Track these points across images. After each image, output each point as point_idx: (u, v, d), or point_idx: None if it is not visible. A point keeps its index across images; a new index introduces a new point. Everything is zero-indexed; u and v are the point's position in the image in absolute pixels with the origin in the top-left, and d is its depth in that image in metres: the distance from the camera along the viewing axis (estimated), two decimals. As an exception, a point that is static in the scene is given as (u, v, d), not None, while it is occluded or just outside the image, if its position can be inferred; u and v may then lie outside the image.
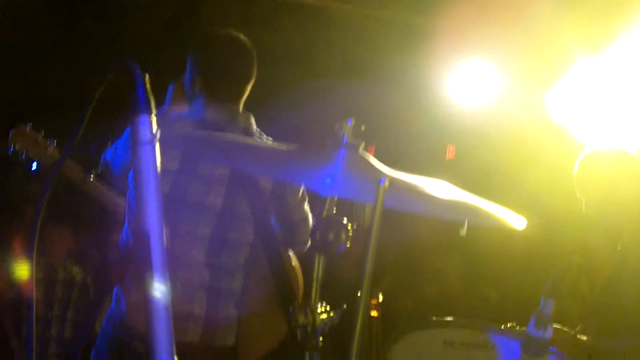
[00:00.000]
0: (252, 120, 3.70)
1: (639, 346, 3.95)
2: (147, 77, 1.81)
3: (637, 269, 4.01)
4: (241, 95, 3.70)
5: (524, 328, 3.67)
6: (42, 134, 4.53)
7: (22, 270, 6.04)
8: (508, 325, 3.85)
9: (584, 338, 3.97)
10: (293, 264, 4.05)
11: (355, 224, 2.18)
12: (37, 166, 4.46)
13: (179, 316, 3.42)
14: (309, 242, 3.46)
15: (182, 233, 3.46)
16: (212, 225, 3.49)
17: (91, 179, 4.31)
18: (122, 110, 1.82)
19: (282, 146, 2.60)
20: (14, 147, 4.47)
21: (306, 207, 3.72)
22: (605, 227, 4.21)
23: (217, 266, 3.51)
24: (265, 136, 3.69)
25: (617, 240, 4.11)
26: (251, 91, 3.77)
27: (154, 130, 1.79)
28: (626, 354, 3.94)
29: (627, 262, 4.07)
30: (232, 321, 3.60)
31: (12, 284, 6.25)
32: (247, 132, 3.62)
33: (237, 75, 3.69)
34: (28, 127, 4.52)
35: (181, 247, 3.44)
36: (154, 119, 1.80)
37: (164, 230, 1.74)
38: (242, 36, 3.76)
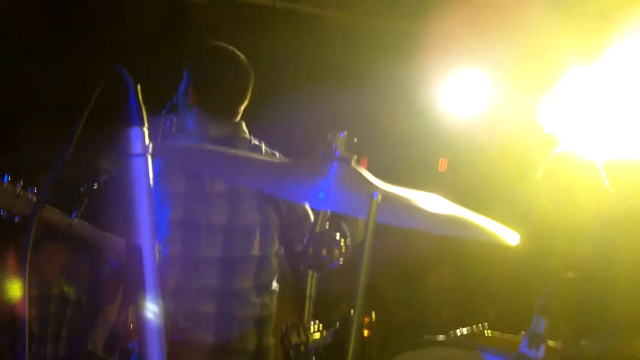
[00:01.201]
0: (245, 129, 3.72)
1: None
2: (138, 87, 1.80)
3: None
4: (236, 113, 3.71)
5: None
6: (21, 186, 4.33)
7: (16, 287, 6.01)
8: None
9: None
10: None
11: (348, 239, 2.16)
12: (18, 219, 4.29)
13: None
14: None
15: (202, 259, 3.46)
16: (221, 246, 3.48)
17: (74, 221, 4.19)
18: (113, 123, 1.81)
19: (275, 159, 2.60)
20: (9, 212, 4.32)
21: (306, 204, 3.65)
22: (570, 229, 4.23)
23: (230, 291, 3.50)
24: (264, 145, 3.70)
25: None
26: None
27: (146, 142, 1.78)
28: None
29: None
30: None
31: (6, 301, 6.21)
32: (250, 142, 3.66)
33: (232, 94, 3.71)
34: (6, 182, 4.27)
35: (200, 273, 3.46)
36: (146, 130, 1.79)
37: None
38: (241, 55, 3.78)
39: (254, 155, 2.74)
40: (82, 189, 4.26)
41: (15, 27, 6.79)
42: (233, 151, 2.34)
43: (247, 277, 3.53)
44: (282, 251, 3.79)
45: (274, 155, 3.63)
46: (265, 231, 3.57)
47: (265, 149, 3.67)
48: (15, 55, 7.12)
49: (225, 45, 3.79)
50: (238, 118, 3.70)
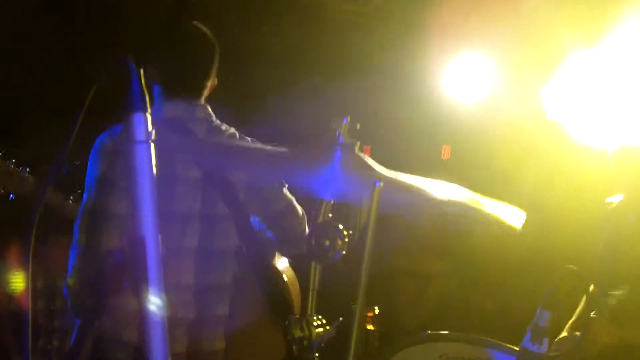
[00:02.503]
0: (210, 111, 3.48)
1: None
2: (142, 72, 1.79)
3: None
4: (199, 89, 3.48)
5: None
6: (13, 164, 4.28)
7: (20, 279, 6.00)
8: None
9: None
10: (287, 275, 3.88)
11: (350, 230, 2.14)
12: (13, 197, 4.29)
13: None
14: (305, 235, 3.34)
15: (172, 248, 3.24)
16: (197, 236, 3.28)
17: (71, 202, 4.18)
18: (114, 110, 1.80)
19: (276, 147, 2.57)
20: (4, 190, 4.31)
21: (287, 193, 3.45)
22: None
23: (205, 283, 3.31)
24: (227, 127, 3.47)
25: None
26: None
27: (149, 129, 1.77)
28: None
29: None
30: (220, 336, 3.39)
31: (11, 295, 6.21)
32: (210, 125, 3.41)
33: (191, 70, 3.48)
34: (13, 165, 4.28)
35: (170, 265, 3.19)
36: (149, 116, 1.78)
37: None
38: (202, 29, 3.58)
39: (257, 145, 2.64)
40: (64, 169, 4.24)
41: (16, 23, 6.79)
42: (237, 142, 2.32)
43: (224, 270, 3.38)
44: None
45: (244, 140, 3.40)
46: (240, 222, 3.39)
47: (229, 131, 3.44)
48: (17, 51, 7.13)
49: (188, 23, 3.64)
50: (201, 97, 3.48)
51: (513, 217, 2.09)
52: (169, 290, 3.03)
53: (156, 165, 3.09)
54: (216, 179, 3.26)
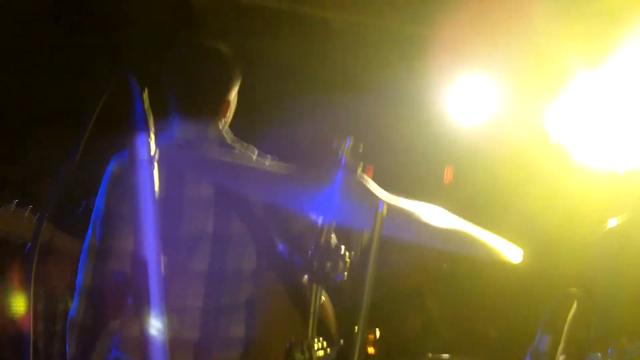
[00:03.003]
0: (223, 132, 3.36)
1: None
2: (145, 93, 1.78)
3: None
4: (213, 109, 3.36)
5: None
6: (29, 211, 4.20)
7: (21, 303, 5.99)
8: None
9: None
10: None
11: (352, 252, 2.13)
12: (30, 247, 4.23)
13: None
14: None
15: (177, 271, 3.12)
16: (208, 257, 3.17)
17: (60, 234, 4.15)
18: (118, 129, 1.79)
19: (279, 167, 2.54)
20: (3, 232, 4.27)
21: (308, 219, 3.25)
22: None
23: (215, 306, 3.21)
24: (243, 146, 3.37)
25: None
26: (246, 106, 3.59)
27: (152, 150, 1.76)
28: None
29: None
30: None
31: (12, 318, 6.19)
32: (222, 145, 3.30)
33: (203, 90, 3.37)
34: (13, 206, 4.22)
35: (176, 288, 3.14)
36: (152, 137, 1.77)
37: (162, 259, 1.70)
38: (219, 48, 3.46)
39: (259, 165, 2.58)
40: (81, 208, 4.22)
41: (20, 33, 6.79)
42: (238, 161, 2.31)
43: (238, 292, 3.27)
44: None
45: (261, 158, 3.30)
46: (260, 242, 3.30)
47: (242, 150, 3.35)
48: (21, 61, 7.13)
49: (203, 42, 3.56)
50: (215, 117, 3.35)
51: (510, 251, 2.07)
52: (173, 312, 3.01)
53: (164, 187, 3.06)
54: (231, 198, 3.18)
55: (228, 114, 3.41)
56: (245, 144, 3.37)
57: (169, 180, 3.00)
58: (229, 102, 3.39)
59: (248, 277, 3.24)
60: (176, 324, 3.11)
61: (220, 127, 3.35)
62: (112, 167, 3.22)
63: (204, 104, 3.34)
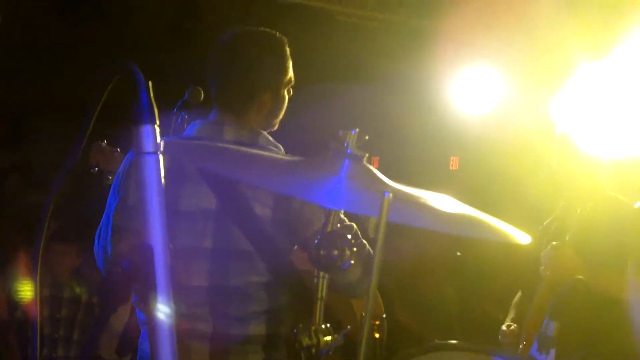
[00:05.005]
0: (242, 131, 3.17)
1: None
2: (150, 84, 1.78)
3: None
4: (239, 107, 3.19)
5: None
6: (119, 149, 4.43)
7: (27, 289, 6.02)
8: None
9: None
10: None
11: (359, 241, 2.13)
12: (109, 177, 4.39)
13: None
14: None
15: (176, 287, 3.10)
16: (207, 273, 3.04)
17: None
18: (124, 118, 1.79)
19: (284, 157, 2.53)
20: (98, 167, 4.40)
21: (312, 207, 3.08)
22: None
23: (224, 316, 3.07)
24: (270, 148, 3.16)
25: None
26: None
27: (158, 140, 1.76)
28: None
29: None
30: None
31: (17, 303, 6.23)
32: (238, 144, 3.06)
33: (228, 86, 3.21)
34: (104, 143, 4.45)
35: (178, 302, 3.09)
36: (157, 128, 1.77)
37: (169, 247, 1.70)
38: (265, 38, 3.24)
39: (263, 153, 2.52)
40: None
41: (24, 26, 6.80)
42: (243, 149, 2.30)
43: (248, 306, 3.12)
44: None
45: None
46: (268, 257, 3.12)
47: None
48: (25, 53, 7.13)
49: (251, 30, 3.29)
50: (242, 115, 3.19)
51: (519, 234, 2.08)
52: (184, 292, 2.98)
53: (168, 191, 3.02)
54: (236, 212, 3.06)
55: (266, 112, 3.23)
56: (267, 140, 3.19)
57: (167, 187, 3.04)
58: (263, 100, 3.20)
59: (259, 289, 3.11)
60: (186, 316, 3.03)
61: (248, 129, 3.18)
62: (129, 157, 3.21)
63: (234, 99, 3.20)
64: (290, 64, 3.28)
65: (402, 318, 6.13)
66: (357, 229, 2.99)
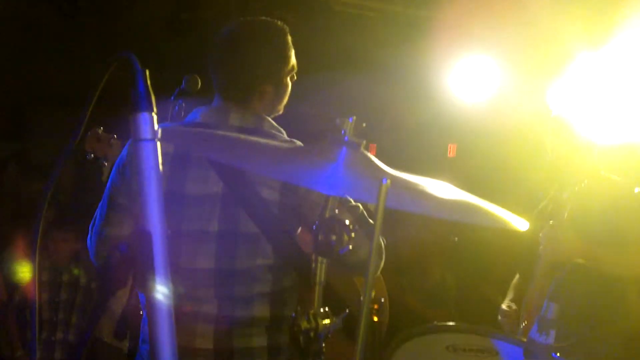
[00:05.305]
0: (244, 117, 3.18)
1: None
2: (147, 72, 1.79)
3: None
4: (243, 94, 3.21)
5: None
6: (101, 130, 4.49)
7: (26, 272, 6.04)
8: None
9: None
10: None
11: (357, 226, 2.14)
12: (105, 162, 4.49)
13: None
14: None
15: (181, 270, 3.04)
16: (214, 256, 3.06)
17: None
18: (122, 106, 1.81)
19: (282, 145, 2.54)
20: (93, 154, 4.45)
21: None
22: None
23: (229, 298, 3.08)
24: (274, 133, 3.20)
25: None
26: None
27: (155, 128, 1.78)
28: None
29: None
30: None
31: (16, 286, 6.26)
32: (243, 132, 3.08)
33: (232, 73, 3.21)
34: (100, 131, 4.51)
35: (183, 285, 3.03)
36: (154, 116, 1.78)
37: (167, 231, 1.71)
38: (267, 28, 3.26)
39: (261, 141, 2.53)
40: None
41: (23, 18, 6.80)
42: (242, 136, 2.31)
43: (252, 287, 3.12)
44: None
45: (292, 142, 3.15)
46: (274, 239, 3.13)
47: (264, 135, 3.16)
48: (24, 45, 7.14)
49: (252, 21, 3.31)
50: (247, 102, 3.20)
51: (517, 220, 2.09)
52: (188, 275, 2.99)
53: (168, 179, 3.04)
54: (242, 196, 3.07)
55: (268, 101, 3.25)
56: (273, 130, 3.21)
57: (174, 172, 3.05)
58: (265, 90, 3.23)
59: (263, 271, 3.13)
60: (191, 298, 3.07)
61: (252, 115, 3.20)
62: (127, 147, 3.22)
63: (236, 91, 3.22)
64: (292, 52, 3.30)
65: (404, 301, 6.16)
66: (364, 210, 3.02)
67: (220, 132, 2.70)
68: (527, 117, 6.26)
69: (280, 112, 3.36)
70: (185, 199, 3.09)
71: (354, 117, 2.14)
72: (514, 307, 4.54)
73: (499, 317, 4.57)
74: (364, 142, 2.14)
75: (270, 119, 3.25)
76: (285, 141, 3.15)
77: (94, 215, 3.22)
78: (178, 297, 2.94)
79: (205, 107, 3.26)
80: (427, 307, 6.31)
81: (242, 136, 2.30)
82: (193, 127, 3.14)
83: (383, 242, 3.09)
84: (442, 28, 6.54)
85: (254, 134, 3.06)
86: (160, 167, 1.75)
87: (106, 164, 4.46)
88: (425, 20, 7.01)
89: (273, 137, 3.15)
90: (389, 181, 1.83)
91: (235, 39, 3.26)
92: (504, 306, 4.59)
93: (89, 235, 3.23)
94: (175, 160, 3.09)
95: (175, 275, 3.05)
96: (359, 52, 7.50)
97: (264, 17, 3.33)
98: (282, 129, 3.24)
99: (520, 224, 2.07)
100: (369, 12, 7.42)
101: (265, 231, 3.07)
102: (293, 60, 3.31)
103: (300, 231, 3.05)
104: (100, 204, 3.21)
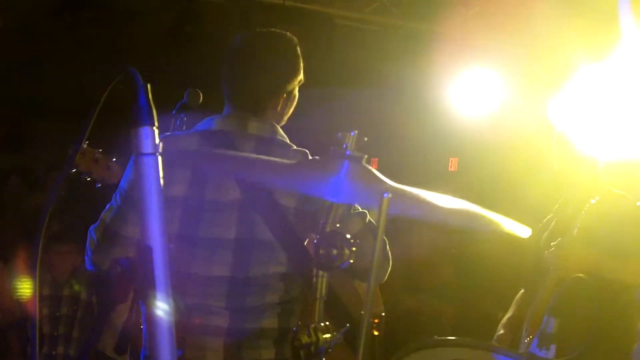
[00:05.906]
0: (264, 128, 3.19)
1: None
2: (149, 86, 1.79)
3: None
4: (260, 104, 3.22)
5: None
6: (102, 153, 4.50)
7: (27, 287, 6.03)
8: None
9: None
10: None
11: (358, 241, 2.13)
12: (100, 185, 4.50)
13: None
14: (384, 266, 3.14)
15: (195, 277, 3.04)
16: (229, 264, 3.05)
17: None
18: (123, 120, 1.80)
19: (287, 161, 2.54)
20: (79, 169, 4.46)
21: (360, 214, 3.13)
22: None
23: (240, 309, 3.07)
24: (287, 143, 3.21)
25: None
26: None
27: (157, 142, 1.77)
28: None
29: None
30: None
31: (18, 302, 6.24)
32: (261, 140, 3.15)
33: (250, 83, 3.22)
34: (98, 153, 4.50)
35: (195, 294, 3.04)
36: (156, 130, 1.78)
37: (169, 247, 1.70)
38: (275, 40, 3.29)
39: (265, 158, 2.51)
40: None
41: (25, 29, 6.80)
42: (245, 154, 2.31)
43: (265, 296, 3.11)
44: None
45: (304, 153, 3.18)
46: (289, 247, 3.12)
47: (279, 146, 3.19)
48: (26, 56, 7.14)
49: (260, 32, 3.35)
50: (262, 113, 3.22)
51: (518, 227, 2.09)
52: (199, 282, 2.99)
53: (186, 186, 3.03)
54: (260, 203, 3.07)
55: (280, 110, 3.27)
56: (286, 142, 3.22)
57: (194, 178, 3.05)
58: (278, 101, 3.24)
59: (277, 280, 3.11)
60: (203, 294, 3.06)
61: (268, 124, 3.21)
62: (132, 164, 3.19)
63: (248, 97, 3.22)
64: (302, 63, 3.33)
65: (404, 314, 6.15)
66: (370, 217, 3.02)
67: (227, 153, 2.70)
68: (528, 131, 6.25)
69: (284, 123, 3.36)
70: (204, 205, 3.09)
71: (356, 131, 2.14)
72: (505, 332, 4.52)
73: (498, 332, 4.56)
74: (366, 156, 2.14)
75: (280, 128, 3.27)
76: (297, 151, 3.18)
77: (99, 218, 3.19)
78: (188, 309, 3.00)
79: (219, 116, 3.25)
80: (425, 319, 6.31)
81: (245, 154, 2.30)
82: (212, 134, 3.16)
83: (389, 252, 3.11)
84: (443, 42, 6.55)
85: (270, 143, 3.14)
86: (161, 181, 1.75)
87: (100, 185, 4.48)
88: (427, 34, 7.01)
89: (286, 146, 3.19)
90: (390, 195, 1.82)
91: (251, 49, 3.28)
92: (503, 322, 4.58)
93: (88, 242, 3.20)
94: (197, 168, 3.10)
95: (188, 283, 3.06)
96: (360, 66, 7.50)
97: (273, 29, 3.35)
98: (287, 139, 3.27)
99: (521, 231, 2.06)
100: (370, 26, 7.43)
101: (280, 238, 3.07)
102: (302, 71, 3.34)
103: (308, 241, 3.06)
104: (108, 206, 3.17)
